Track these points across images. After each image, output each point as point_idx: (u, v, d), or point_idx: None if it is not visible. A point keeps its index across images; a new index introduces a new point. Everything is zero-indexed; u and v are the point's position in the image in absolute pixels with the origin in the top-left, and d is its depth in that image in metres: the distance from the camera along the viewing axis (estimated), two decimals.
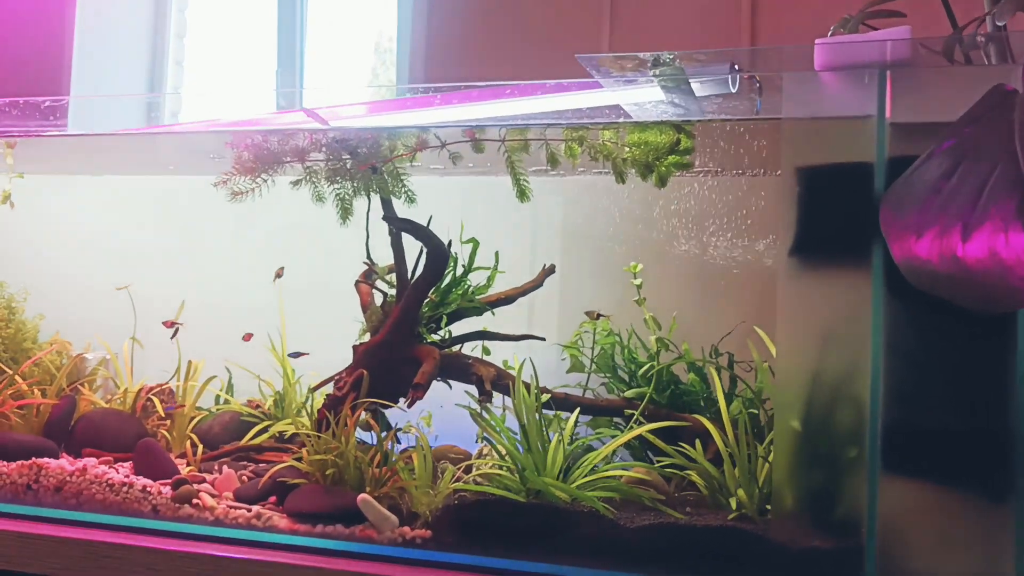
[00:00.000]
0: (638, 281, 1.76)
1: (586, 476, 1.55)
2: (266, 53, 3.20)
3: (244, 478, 1.80)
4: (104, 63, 3.05)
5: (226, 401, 2.15)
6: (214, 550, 1.57)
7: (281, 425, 1.99)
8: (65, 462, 1.79)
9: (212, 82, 3.32)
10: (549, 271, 1.85)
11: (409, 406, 1.63)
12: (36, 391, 1.95)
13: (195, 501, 1.68)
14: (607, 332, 1.87)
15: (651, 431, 1.62)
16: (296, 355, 2.05)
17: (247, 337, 2.05)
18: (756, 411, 1.61)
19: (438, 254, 1.68)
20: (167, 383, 2.09)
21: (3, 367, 2.00)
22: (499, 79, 2.81)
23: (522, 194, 1.64)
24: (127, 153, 2.30)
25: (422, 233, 1.68)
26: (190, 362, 2.04)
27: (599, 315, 1.79)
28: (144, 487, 1.70)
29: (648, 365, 1.73)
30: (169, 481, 1.73)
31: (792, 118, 1.45)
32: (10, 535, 1.65)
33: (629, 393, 1.71)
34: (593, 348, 1.87)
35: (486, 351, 1.86)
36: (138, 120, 2.66)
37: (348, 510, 1.59)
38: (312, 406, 1.84)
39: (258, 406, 2.07)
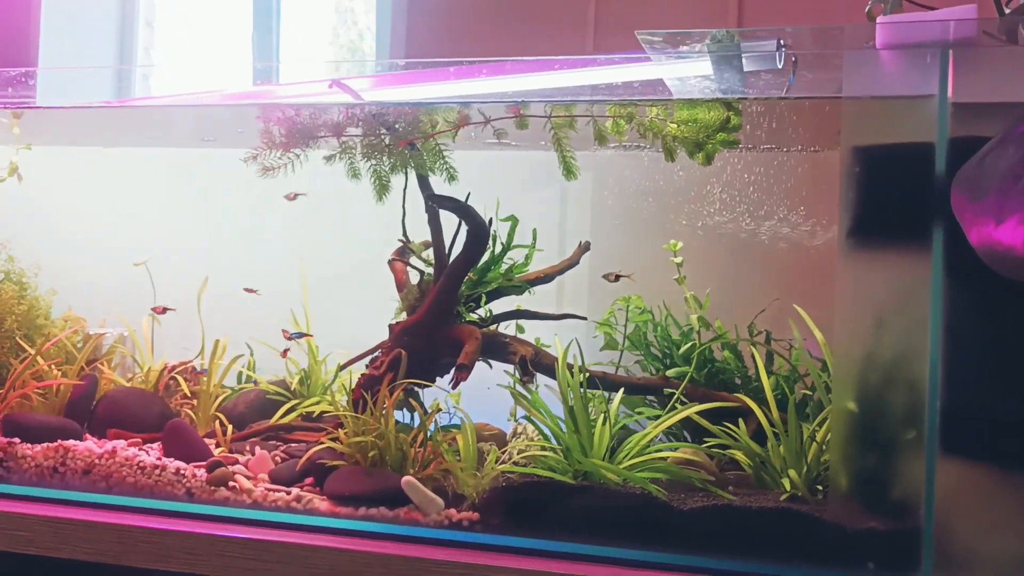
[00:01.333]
0: (679, 259, 1.71)
1: (633, 457, 1.52)
2: (241, 14, 3.08)
3: (277, 459, 1.75)
4: (73, 22, 2.91)
5: (248, 378, 2.08)
6: (254, 534, 1.51)
7: (310, 404, 1.93)
8: (93, 444, 1.72)
9: (184, 44, 3.20)
10: (585, 248, 1.80)
11: (454, 387, 1.58)
12: (56, 370, 1.87)
13: (231, 484, 1.62)
14: (641, 310, 1.83)
15: (695, 410, 1.59)
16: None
17: (287, 335, 1.98)
18: (808, 391, 1.57)
19: (480, 233, 1.62)
20: (190, 361, 2.02)
21: (23, 345, 1.92)
22: (483, 53, 2.76)
23: (568, 172, 1.58)
24: (129, 125, 2.21)
25: (466, 211, 1.62)
26: (217, 341, 1.97)
27: (618, 276, 1.74)
28: (177, 470, 1.64)
29: (690, 344, 1.69)
30: (204, 463, 1.67)
31: (852, 97, 1.41)
32: (39, 520, 1.58)
33: (671, 372, 1.67)
34: (626, 326, 1.83)
35: (520, 329, 1.81)
36: (111, 88, 2.53)
37: (391, 492, 1.54)
38: (348, 385, 1.78)
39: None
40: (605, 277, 1.83)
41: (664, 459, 1.53)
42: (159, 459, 1.67)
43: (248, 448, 1.79)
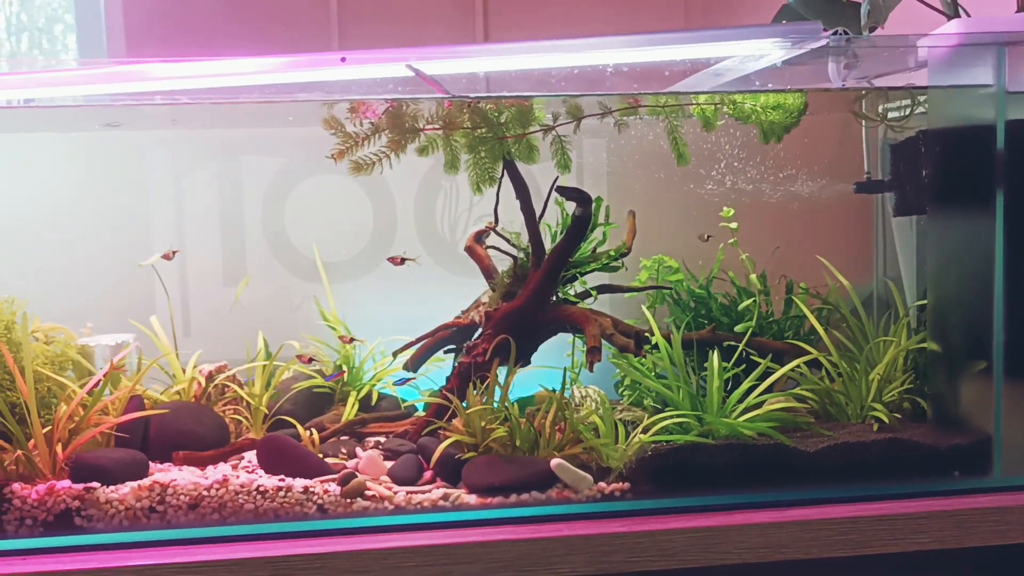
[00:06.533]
0: (734, 225, 1.80)
1: (745, 412, 1.61)
2: None
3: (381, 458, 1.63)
4: None
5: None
6: (421, 539, 1.42)
7: (365, 392, 1.80)
8: (197, 475, 1.50)
9: None
10: (633, 215, 1.82)
11: (591, 369, 1.57)
12: (109, 403, 1.57)
13: (368, 493, 1.50)
14: (673, 269, 1.90)
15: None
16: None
17: (346, 339, 1.80)
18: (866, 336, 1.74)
19: (587, 219, 1.59)
20: (223, 363, 1.78)
21: (62, 380, 1.58)
22: (216, 50, 2.72)
23: (681, 157, 1.59)
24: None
25: (585, 200, 1.57)
26: (270, 345, 1.75)
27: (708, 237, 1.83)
28: (305, 488, 1.48)
29: (751, 299, 1.80)
30: (336, 477, 1.51)
31: (930, 87, 1.57)
32: (165, 568, 1.37)
33: (739, 328, 1.78)
34: (658, 280, 1.90)
35: (572, 299, 1.81)
36: None
37: (540, 476, 1.52)
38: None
39: (311, 359, 1.82)
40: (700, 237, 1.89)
41: (762, 409, 1.64)
42: (281, 480, 1.49)
43: (345, 451, 1.65)
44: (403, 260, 1.81)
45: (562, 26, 3.34)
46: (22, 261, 1.91)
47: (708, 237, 1.83)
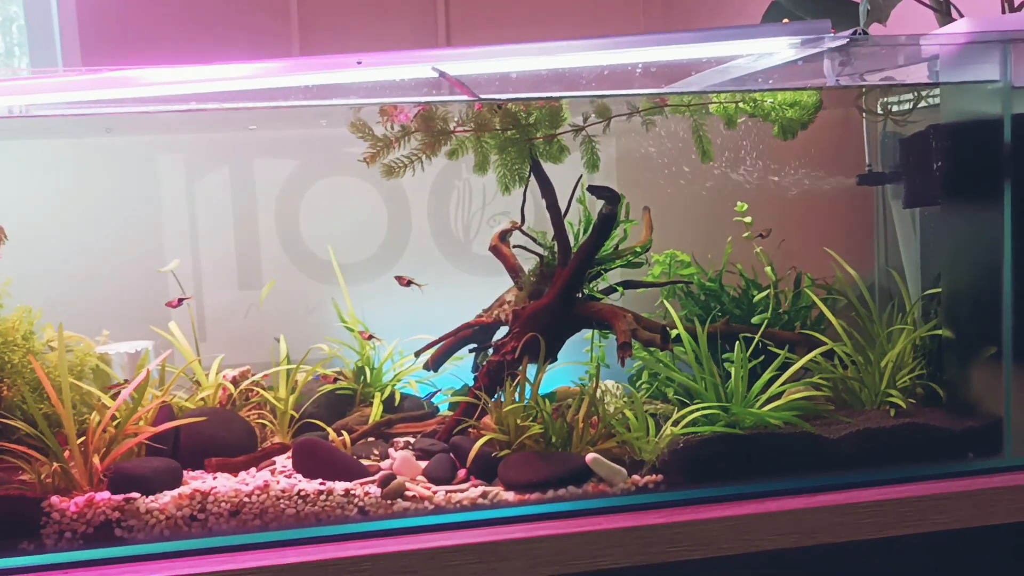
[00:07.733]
0: (748, 219, 1.83)
1: (768, 402, 1.64)
2: None
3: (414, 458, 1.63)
4: None
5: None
6: (465, 538, 1.43)
7: (388, 392, 1.80)
8: (236, 482, 1.48)
9: None
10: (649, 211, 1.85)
11: (622, 364, 1.59)
12: (144, 411, 1.54)
13: (408, 493, 1.51)
14: (685, 263, 1.93)
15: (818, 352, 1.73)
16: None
17: (365, 335, 1.80)
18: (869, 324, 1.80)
19: (613, 218, 1.60)
20: (246, 368, 1.76)
21: (93, 390, 1.54)
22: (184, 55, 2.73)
23: (705, 155, 1.62)
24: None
25: (616, 199, 1.58)
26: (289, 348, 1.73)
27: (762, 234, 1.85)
28: (346, 491, 1.48)
29: (765, 292, 1.84)
30: (375, 479, 1.51)
31: (941, 83, 1.61)
32: None
33: (756, 319, 1.81)
34: (670, 275, 1.93)
35: (597, 296, 1.83)
36: None
37: (575, 471, 1.54)
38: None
39: (336, 379, 1.82)
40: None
41: (784, 399, 1.68)
42: (322, 484, 1.49)
43: (377, 452, 1.65)
44: (410, 283, 1.82)
45: (523, 30, 3.36)
46: (34, 268, 1.86)
47: (762, 234, 1.85)
